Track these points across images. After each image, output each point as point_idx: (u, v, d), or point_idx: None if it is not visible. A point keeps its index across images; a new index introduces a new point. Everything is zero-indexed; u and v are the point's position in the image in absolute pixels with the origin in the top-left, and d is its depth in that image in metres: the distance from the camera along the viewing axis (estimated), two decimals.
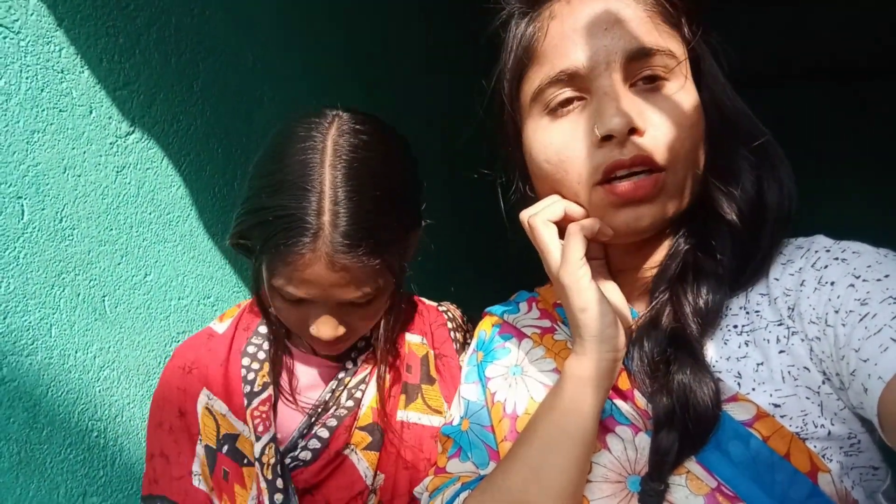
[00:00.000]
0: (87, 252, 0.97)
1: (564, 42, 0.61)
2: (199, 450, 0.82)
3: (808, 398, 0.55)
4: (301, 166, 0.70)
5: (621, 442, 0.62)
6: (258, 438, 0.79)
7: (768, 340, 0.58)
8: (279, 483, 0.77)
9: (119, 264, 1.02)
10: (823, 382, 0.55)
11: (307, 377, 0.86)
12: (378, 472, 0.81)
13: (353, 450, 0.82)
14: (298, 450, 0.81)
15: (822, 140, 3.34)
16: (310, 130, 0.73)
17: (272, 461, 0.78)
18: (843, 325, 0.52)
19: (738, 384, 0.58)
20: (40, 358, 0.90)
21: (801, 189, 0.64)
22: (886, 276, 0.53)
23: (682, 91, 0.60)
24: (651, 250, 0.67)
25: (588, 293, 0.60)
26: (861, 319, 0.51)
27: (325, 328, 0.75)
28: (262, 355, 0.85)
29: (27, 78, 0.88)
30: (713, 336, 0.61)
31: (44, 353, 0.91)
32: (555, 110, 0.62)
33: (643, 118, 0.58)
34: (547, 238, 0.64)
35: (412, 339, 0.90)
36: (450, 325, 0.93)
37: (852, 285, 0.53)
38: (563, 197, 0.64)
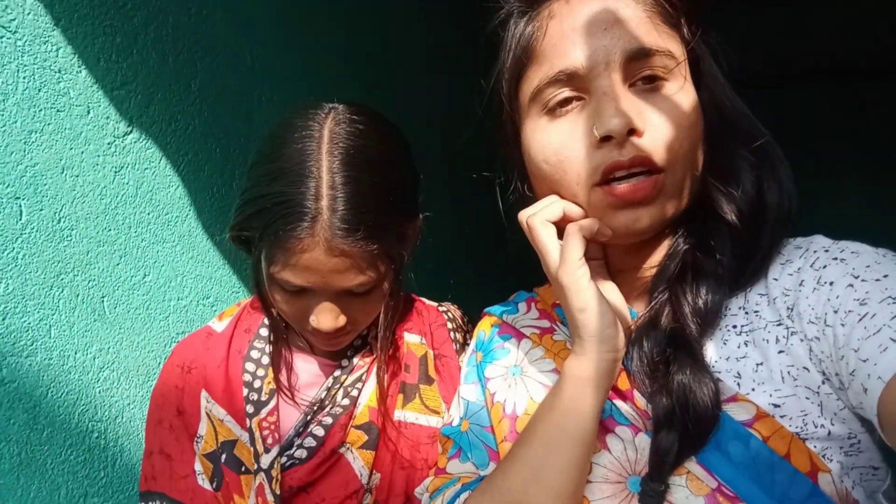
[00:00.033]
0: (85, 252, 0.97)
1: (563, 42, 0.61)
2: (196, 448, 0.82)
3: (807, 398, 0.55)
4: (298, 154, 0.71)
5: (621, 442, 0.62)
6: (267, 450, 0.79)
7: (767, 340, 0.58)
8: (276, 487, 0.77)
9: (118, 265, 1.02)
10: (823, 382, 0.55)
11: (304, 375, 0.86)
12: (374, 472, 0.81)
13: (348, 448, 0.81)
14: (294, 448, 0.81)
15: (821, 140, 3.34)
16: (307, 120, 0.74)
17: (279, 475, 0.78)
18: (843, 325, 0.52)
19: (738, 384, 0.58)
20: (40, 359, 0.90)
21: (801, 189, 0.64)
22: (885, 276, 0.53)
23: (682, 92, 0.60)
24: (650, 250, 0.67)
25: (587, 293, 0.60)
26: (860, 319, 0.51)
27: (326, 318, 0.74)
28: (265, 360, 0.85)
29: (24, 78, 0.88)
30: (712, 336, 0.61)
31: (43, 354, 0.91)
32: (553, 110, 0.62)
33: (642, 119, 0.58)
34: (545, 238, 0.64)
35: (411, 339, 0.90)
36: (450, 325, 0.93)
37: (851, 285, 0.53)
38: (562, 197, 0.64)
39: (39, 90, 0.89)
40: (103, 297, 0.99)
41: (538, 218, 0.64)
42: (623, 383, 0.63)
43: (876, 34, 3.05)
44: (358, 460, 0.81)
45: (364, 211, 0.71)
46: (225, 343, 0.86)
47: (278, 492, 0.77)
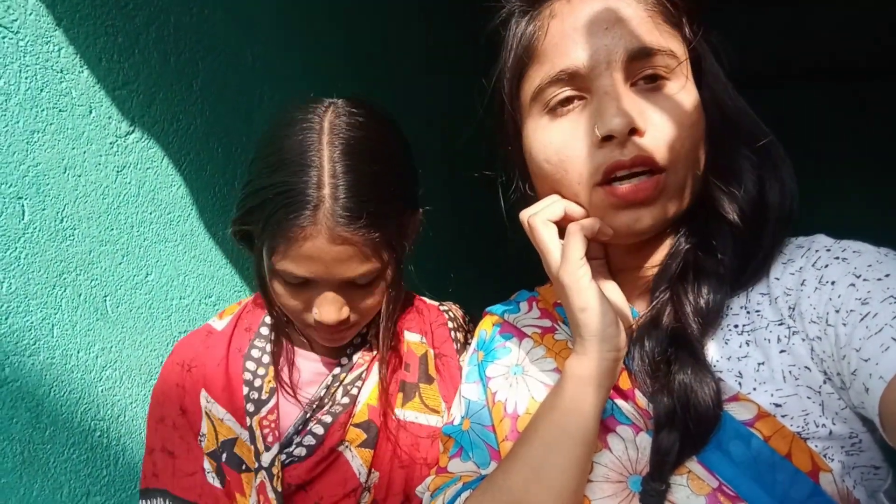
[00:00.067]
0: (88, 252, 0.97)
1: (565, 41, 0.61)
2: (201, 446, 0.82)
3: (809, 398, 0.55)
4: (299, 145, 0.72)
5: (622, 442, 0.62)
6: (267, 448, 0.79)
7: (769, 340, 0.58)
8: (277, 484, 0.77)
9: (120, 264, 1.02)
10: (824, 382, 0.55)
11: (304, 373, 0.86)
12: (372, 470, 0.81)
13: (347, 447, 0.81)
14: (293, 446, 0.81)
15: (821, 140, 3.34)
16: (307, 113, 0.75)
17: (280, 473, 0.78)
18: (844, 324, 0.52)
19: (739, 384, 0.58)
20: (42, 358, 0.90)
21: (801, 189, 0.64)
22: (887, 275, 0.53)
23: (683, 91, 0.60)
24: (652, 250, 0.67)
25: (588, 293, 0.60)
26: (862, 319, 0.51)
27: (329, 310, 0.74)
28: (266, 359, 0.85)
29: (26, 78, 0.88)
30: (714, 336, 0.61)
31: (46, 353, 0.91)
32: (555, 109, 0.62)
33: (644, 118, 0.58)
34: (547, 238, 0.64)
35: (411, 338, 0.90)
36: (450, 324, 0.93)
37: (853, 284, 0.53)
38: (563, 196, 0.64)
39: (42, 90, 0.90)
40: (106, 296, 1.00)
41: (539, 217, 0.64)
42: (624, 382, 0.63)
43: (876, 34, 3.05)
44: (356, 459, 0.81)
45: (366, 199, 0.71)
46: (225, 341, 0.86)
47: (280, 489, 0.77)
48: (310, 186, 0.70)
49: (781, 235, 0.63)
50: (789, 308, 0.58)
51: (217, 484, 0.80)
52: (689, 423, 0.56)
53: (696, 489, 0.56)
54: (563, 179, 0.62)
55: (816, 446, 0.54)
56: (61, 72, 0.92)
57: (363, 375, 0.85)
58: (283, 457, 0.80)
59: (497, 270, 1.82)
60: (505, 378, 0.74)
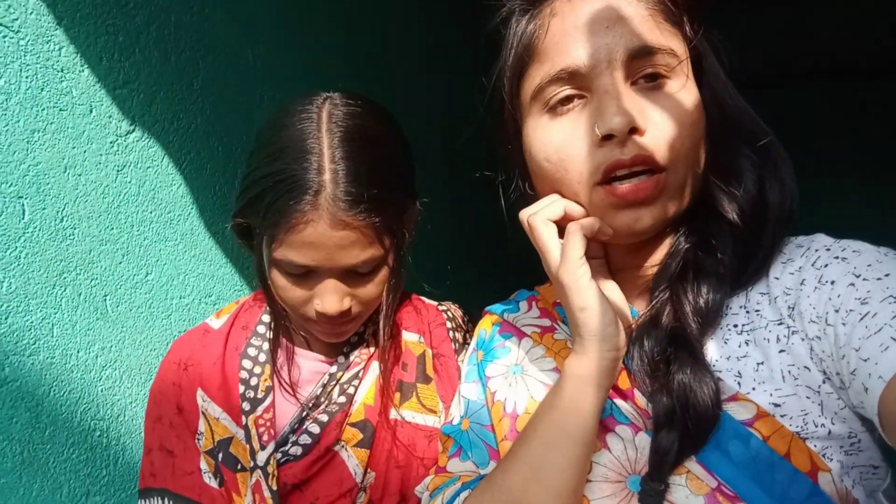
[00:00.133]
0: (88, 251, 0.97)
1: (565, 40, 0.61)
2: (199, 445, 0.82)
3: (808, 398, 0.55)
4: (299, 133, 0.73)
5: (621, 441, 0.62)
6: (263, 447, 0.79)
7: (768, 340, 0.58)
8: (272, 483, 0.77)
9: (120, 263, 1.02)
10: (824, 382, 0.55)
11: (302, 371, 0.86)
12: (368, 470, 0.81)
13: (343, 446, 0.81)
14: (289, 445, 0.80)
15: (821, 140, 3.34)
16: (305, 105, 0.76)
17: (276, 471, 0.78)
18: (844, 324, 0.52)
19: (739, 383, 0.58)
20: (42, 358, 0.90)
21: (801, 189, 0.64)
22: (887, 274, 0.53)
23: (684, 90, 0.60)
24: (651, 249, 0.67)
25: (588, 292, 0.60)
26: (861, 318, 0.51)
27: (331, 299, 0.74)
28: (262, 357, 0.84)
29: (27, 77, 0.88)
30: (713, 335, 0.61)
31: (46, 352, 0.91)
32: (555, 108, 0.62)
33: (644, 117, 0.58)
34: (546, 237, 0.64)
35: (409, 337, 0.90)
36: (449, 324, 0.93)
37: (852, 284, 0.53)
38: (563, 196, 0.64)
39: (42, 89, 0.90)
40: (105, 295, 1.00)
41: (539, 217, 0.64)
42: (623, 382, 0.63)
43: (876, 34, 3.05)
44: (352, 458, 0.80)
45: (366, 183, 0.72)
46: (222, 340, 0.86)
47: (275, 488, 0.77)
48: (310, 172, 0.70)
49: (781, 235, 0.63)
50: (789, 308, 0.58)
51: (214, 484, 0.80)
52: (688, 422, 0.56)
53: (695, 489, 0.56)
54: (562, 178, 0.62)
55: (815, 446, 0.54)
56: (62, 71, 0.92)
57: (360, 374, 0.85)
58: (279, 456, 0.80)
59: (497, 270, 1.82)
60: (504, 378, 0.74)
